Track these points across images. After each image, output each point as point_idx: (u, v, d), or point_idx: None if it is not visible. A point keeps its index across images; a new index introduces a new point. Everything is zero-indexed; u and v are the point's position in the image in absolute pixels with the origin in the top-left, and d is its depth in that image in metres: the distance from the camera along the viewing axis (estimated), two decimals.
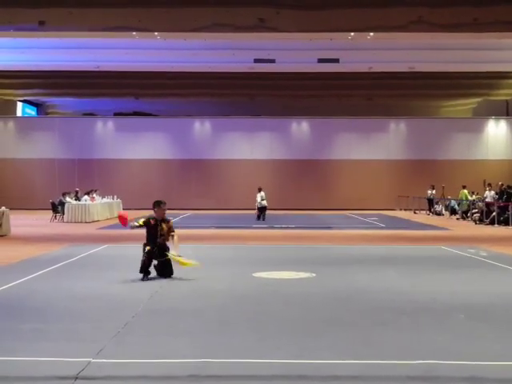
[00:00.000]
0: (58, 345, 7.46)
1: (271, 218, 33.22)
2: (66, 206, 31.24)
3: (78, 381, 6.16)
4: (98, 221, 31.09)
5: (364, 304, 10.07)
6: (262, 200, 33.00)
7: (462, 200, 35.02)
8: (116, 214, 34.59)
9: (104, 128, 47.65)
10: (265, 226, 28.14)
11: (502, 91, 47.26)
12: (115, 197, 36.38)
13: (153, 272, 12.55)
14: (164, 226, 12.77)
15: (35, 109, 53.13)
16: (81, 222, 30.25)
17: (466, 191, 36.25)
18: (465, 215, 34.20)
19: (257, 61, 35.99)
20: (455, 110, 54.50)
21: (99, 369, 6.50)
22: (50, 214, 32.58)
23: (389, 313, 9.37)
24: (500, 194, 32.99)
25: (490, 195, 33.70)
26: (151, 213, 12.95)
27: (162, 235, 12.72)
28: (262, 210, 33.04)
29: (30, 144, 46.72)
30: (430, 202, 40.34)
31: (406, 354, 7.10)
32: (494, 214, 29.52)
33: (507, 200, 31.40)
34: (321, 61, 36.02)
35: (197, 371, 6.43)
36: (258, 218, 32.70)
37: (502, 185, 34.37)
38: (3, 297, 10.56)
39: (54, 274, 13.18)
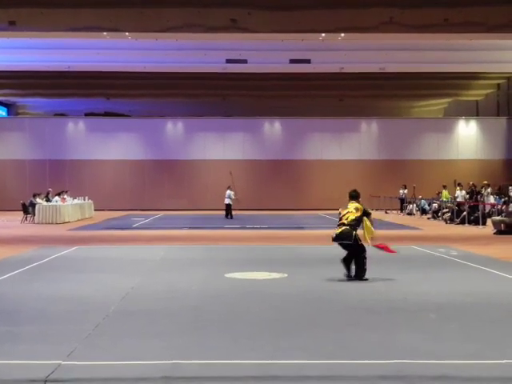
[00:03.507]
0: (28, 347, 7.40)
1: (244, 218, 33.27)
2: (37, 207, 31.00)
3: (47, 383, 6.11)
4: (68, 222, 30.88)
5: (336, 304, 10.10)
6: (226, 198, 34.09)
7: (444, 200, 35.02)
8: (87, 216, 34.50)
9: (75, 128, 47.32)
10: (237, 227, 28.14)
11: (472, 92, 47.72)
12: (86, 198, 36.15)
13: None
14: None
15: (6, 109, 52.68)
16: (52, 224, 30.01)
17: (446, 191, 36.39)
18: (435, 215, 34.40)
19: (229, 61, 36.01)
20: (426, 110, 54.93)
21: (69, 371, 6.45)
22: (20, 215, 32.34)
23: (360, 313, 9.40)
24: (470, 193, 33.26)
25: (460, 195, 33.94)
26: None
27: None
28: (226, 207, 34.02)
29: (1, 145, 46.30)
30: (402, 202, 40.55)
31: (378, 353, 7.13)
32: (465, 213, 29.73)
33: (476, 199, 31.64)
34: (292, 61, 36.13)
35: (169, 373, 6.40)
36: (226, 216, 33.98)
37: (473, 184, 34.65)
38: None
39: (24, 275, 13.07)
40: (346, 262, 12.41)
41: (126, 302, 10.28)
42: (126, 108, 52.76)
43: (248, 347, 7.42)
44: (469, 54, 35.41)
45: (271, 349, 7.34)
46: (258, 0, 25.58)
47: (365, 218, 12.66)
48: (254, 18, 25.50)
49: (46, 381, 6.16)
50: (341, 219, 12.64)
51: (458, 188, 35.27)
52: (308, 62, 36.22)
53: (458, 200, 33.00)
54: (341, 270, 12.47)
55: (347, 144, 46.93)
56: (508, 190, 35.67)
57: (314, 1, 25.72)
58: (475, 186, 34.96)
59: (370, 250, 12.67)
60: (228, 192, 34.64)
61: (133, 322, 8.80)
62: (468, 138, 47.33)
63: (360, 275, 12.26)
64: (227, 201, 34.32)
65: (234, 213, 34.48)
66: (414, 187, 39.97)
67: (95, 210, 37.24)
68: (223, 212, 34.58)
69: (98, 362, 6.81)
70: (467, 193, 34.07)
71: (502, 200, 32.87)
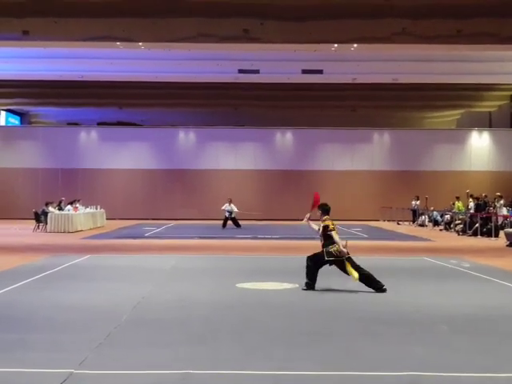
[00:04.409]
0: (40, 355, 7.41)
1: (255, 228, 33.24)
2: (49, 215, 31.07)
3: None
4: (81, 231, 30.94)
5: (347, 315, 10.07)
6: (228, 211, 34.27)
7: (456, 212, 34.79)
8: (99, 225, 34.57)
9: (88, 138, 47.51)
10: (249, 237, 28.12)
11: (484, 103, 47.56)
12: (98, 207, 36.22)
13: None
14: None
15: (19, 118, 52.92)
16: (64, 232, 30.08)
17: (459, 203, 36.13)
18: (448, 226, 34.28)
19: (241, 71, 36.04)
20: (439, 121, 54.80)
21: (81, 380, 6.46)
22: (33, 223, 32.41)
23: (372, 324, 9.37)
24: (483, 204, 33.11)
25: (473, 206, 33.79)
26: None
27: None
28: (229, 219, 34.32)
29: (14, 153, 46.49)
30: (415, 213, 40.43)
31: (389, 365, 7.10)
32: (477, 225, 29.61)
33: (488, 211, 31.49)
34: (305, 72, 36.12)
35: (180, 383, 6.40)
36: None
37: (486, 196, 34.50)
38: None
39: (36, 284, 13.09)
40: (315, 273, 12.43)
41: (138, 311, 10.28)
42: (139, 117, 52.92)
43: (259, 358, 7.41)
44: (482, 65, 35.31)
45: (282, 359, 7.32)
46: (271, 10, 25.59)
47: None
48: (266, 29, 25.51)
49: None
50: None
51: (470, 200, 35.14)
52: (320, 72, 36.21)
53: (471, 211, 32.90)
54: (351, 281, 12.41)
55: (359, 155, 46.90)
56: None
57: (327, 11, 25.71)
58: (486, 197, 34.76)
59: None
60: (228, 206, 34.16)
61: (144, 331, 8.80)
62: (481, 149, 47.20)
63: (378, 285, 12.23)
64: (229, 214, 34.05)
65: (243, 222, 34.45)
66: (427, 198, 39.82)
67: (107, 218, 37.28)
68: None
69: (110, 371, 6.81)
70: (476, 205, 33.86)
71: None
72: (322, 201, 12.98)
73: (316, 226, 12.74)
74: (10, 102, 47.08)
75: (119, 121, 52.38)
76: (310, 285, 12.36)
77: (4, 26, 25.23)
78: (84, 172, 46.08)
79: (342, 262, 12.29)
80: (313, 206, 13.00)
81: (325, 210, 12.94)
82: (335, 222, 12.77)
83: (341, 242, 12.34)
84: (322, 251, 12.37)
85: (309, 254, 12.72)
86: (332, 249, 12.25)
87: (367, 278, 12.29)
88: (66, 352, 7.58)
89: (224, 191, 44.46)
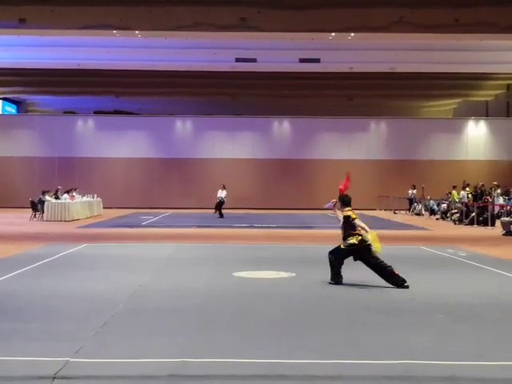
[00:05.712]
0: (37, 344, 7.41)
1: (252, 218, 33.24)
2: (46, 204, 31.06)
3: (55, 380, 6.13)
4: (77, 219, 30.93)
5: (343, 304, 10.08)
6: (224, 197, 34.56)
7: (453, 201, 34.79)
8: (96, 213, 34.57)
9: (84, 126, 47.43)
10: (246, 226, 28.14)
11: (481, 92, 47.58)
12: (95, 195, 36.20)
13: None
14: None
15: (15, 107, 52.81)
16: (60, 221, 30.06)
17: (456, 192, 36.17)
18: (444, 215, 34.30)
19: (238, 60, 36.00)
20: (436, 110, 54.80)
21: (77, 368, 6.47)
22: (29, 212, 32.38)
23: (368, 313, 9.39)
24: (480, 194, 33.12)
25: (465, 196, 33.79)
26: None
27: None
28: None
29: (10, 142, 46.40)
30: (411, 202, 40.47)
31: (385, 353, 7.12)
32: (473, 214, 29.65)
33: (484, 200, 31.52)
34: (302, 61, 36.11)
35: (176, 371, 6.41)
36: (221, 215, 33.85)
37: (483, 185, 34.51)
38: None
39: (33, 272, 13.09)
40: (339, 268, 12.08)
41: (134, 299, 10.29)
42: (136, 106, 52.84)
43: (255, 346, 7.42)
44: (479, 54, 35.31)
45: (278, 348, 7.33)
46: None
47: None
48: (263, 17, 25.50)
49: (54, 378, 6.17)
50: (356, 228, 11.94)
51: (463, 190, 35.15)
52: (318, 61, 36.20)
53: (462, 200, 32.94)
54: (348, 270, 12.42)
55: (356, 144, 46.88)
56: None
57: (324, 0, 25.70)
58: (483, 186, 34.75)
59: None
60: (221, 192, 34.57)
61: (141, 319, 8.81)
62: (477, 138, 47.22)
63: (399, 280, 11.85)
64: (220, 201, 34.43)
65: (241, 212, 34.52)
66: (423, 187, 39.87)
67: (104, 207, 37.28)
68: (232, 211, 34.45)
69: (106, 359, 6.83)
70: (471, 193, 33.86)
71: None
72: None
73: (340, 215, 12.33)
74: (6, 91, 47.01)
75: (116, 109, 52.30)
76: (336, 280, 11.96)
77: (0, 14, 25.20)
78: (81, 161, 46.02)
79: (365, 248, 11.92)
80: (341, 190, 12.56)
81: (344, 201, 12.26)
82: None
83: (365, 226, 11.89)
84: (342, 244, 12.05)
85: (330, 250, 12.41)
86: (351, 240, 11.89)
87: (387, 272, 11.93)
88: (62, 340, 7.58)
89: (221, 180, 44.44)
